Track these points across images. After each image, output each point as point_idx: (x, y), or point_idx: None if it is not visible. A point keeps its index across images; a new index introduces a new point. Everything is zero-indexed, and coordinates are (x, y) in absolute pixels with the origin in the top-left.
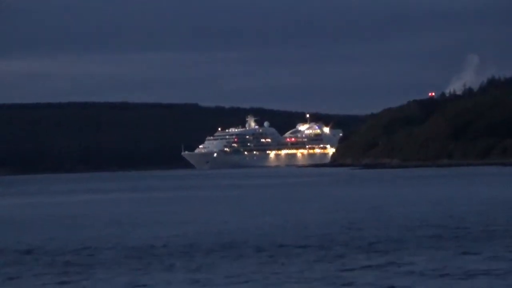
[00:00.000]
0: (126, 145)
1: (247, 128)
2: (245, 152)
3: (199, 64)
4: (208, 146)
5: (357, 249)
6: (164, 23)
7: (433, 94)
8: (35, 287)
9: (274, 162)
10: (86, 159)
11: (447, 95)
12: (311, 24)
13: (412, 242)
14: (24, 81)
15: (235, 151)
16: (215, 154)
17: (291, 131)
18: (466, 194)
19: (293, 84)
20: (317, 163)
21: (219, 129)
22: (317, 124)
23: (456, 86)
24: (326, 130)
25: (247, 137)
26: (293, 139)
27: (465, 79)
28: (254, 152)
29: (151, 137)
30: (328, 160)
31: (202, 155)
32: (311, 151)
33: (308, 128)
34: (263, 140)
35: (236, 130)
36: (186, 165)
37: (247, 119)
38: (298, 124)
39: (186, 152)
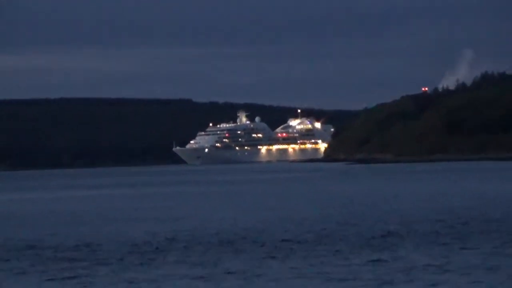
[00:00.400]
0: (121, 141)
1: (239, 124)
2: (237, 148)
3: (193, 59)
4: (200, 141)
5: (354, 244)
6: (158, 19)
7: (427, 89)
8: (40, 283)
9: (266, 158)
10: (82, 155)
11: (440, 90)
12: (304, 20)
13: (408, 237)
14: (22, 77)
15: (227, 147)
16: (206, 150)
17: (282, 126)
18: (461, 189)
19: (286, 79)
20: (310, 158)
21: (211, 124)
22: (309, 119)
23: (449, 81)
24: (318, 125)
25: (238, 132)
26: (284, 134)
27: (458, 74)
28: (246, 148)
29: (145, 133)
30: (319, 155)
31: (194, 150)
32: (302, 146)
33: (299, 123)
34: (254, 135)
35: (227, 125)
36: (178, 161)
37: (238, 115)
38: (290, 119)
39: (178, 147)
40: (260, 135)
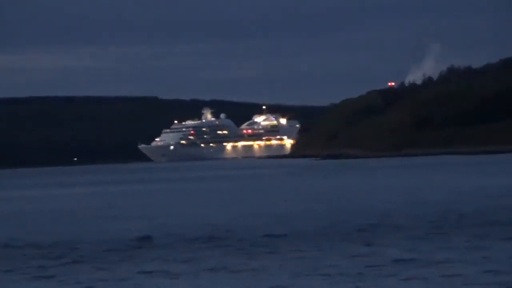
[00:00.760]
0: (87, 139)
1: (204, 121)
2: (202, 145)
3: (159, 57)
4: (165, 139)
5: (330, 239)
6: (124, 17)
7: (393, 84)
8: (15, 282)
9: (231, 154)
10: (48, 153)
11: (407, 84)
12: (270, 16)
13: (384, 231)
14: None
15: (192, 144)
16: (171, 147)
17: (247, 122)
18: (431, 183)
19: (252, 76)
20: (277, 155)
21: (176, 121)
22: (274, 116)
23: (416, 76)
24: (283, 121)
25: (204, 129)
26: (249, 130)
27: (425, 68)
28: (211, 144)
29: (111, 131)
30: (284, 151)
31: (159, 148)
32: (268, 142)
33: (264, 120)
34: (219, 132)
35: (192, 122)
36: (144, 158)
37: (203, 112)
38: (255, 116)
39: (143, 145)
40: (225, 131)
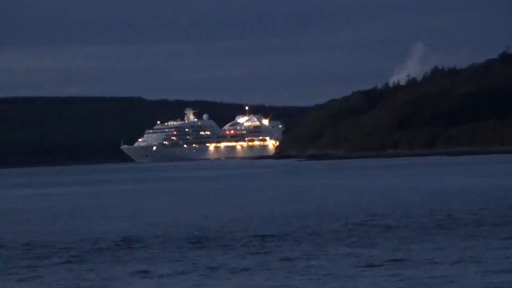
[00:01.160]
0: (71, 139)
1: (186, 121)
2: (185, 145)
3: (144, 57)
4: (147, 139)
5: (308, 240)
6: (108, 16)
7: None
8: (3, 282)
9: (214, 155)
10: (31, 153)
11: (391, 85)
12: (252, 16)
13: (360, 232)
14: None
15: (175, 144)
16: (154, 148)
17: (230, 123)
18: (412, 184)
19: (236, 76)
20: (261, 155)
21: (158, 122)
22: (256, 116)
23: (400, 76)
24: (265, 122)
25: (186, 130)
26: (232, 131)
27: (409, 69)
28: (194, 145)
29: (94, 131)
30: (267, 152)
31: (141, 148)
32: (250, 143)
33: (247, 121)
34: (202, 132)
35: (175, 123)
36: (126, 159)
37: (185, 112)
38: (237, 117)
39: (126, 146)
40: (208, 132)
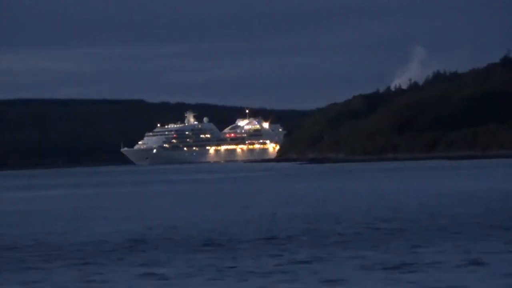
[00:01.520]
0: (71, 141)
1: (186, 124)
2: (185, 148)
3: (146, 59)
4: (147, 142)
5: (306, 242)
6: (108, 17)
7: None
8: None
9: (214, 158)
10: (30, 155)
11: (392, 89)
12: (254, 17)
13: (361, 236)
14: None
15: (175, 147)
16: (154, 150)
17: (230, 126)
18: (413, 187)
19: (236, 78)
20: (262, 158)
21: (158, 125)
22: (256, 119)
23: (401, 80)
24: (266, 125)
25: (186, 133)
26: (232, 134)
27: (410, 73)
28: (194, 148)
29: (94, 133)
30: (267, 155)
31: (142, 151)
32: (250, 146)
33: (247, 124)
34: (202, 136)
35: (175, 126)
36: (126, 161)
37: (186, 115)
38: (238, 120)
39: (125, 148)
40: (208, 135)
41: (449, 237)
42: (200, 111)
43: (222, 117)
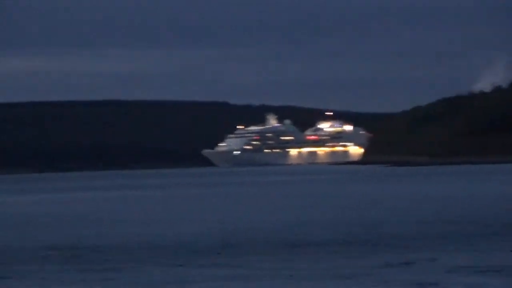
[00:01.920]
0: (153, 143)
1: (268, 126)
2: (266, 150)
3: (228, 60)
4: (229, 144)
5: (381, 246)
6: (191, 19)
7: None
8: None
9: (295, 160)
10: (112, 157)
11: (476, 92)
12: (335, 19)
13: (449, 238)
14: (39, 78)
15: (256, 149)
16: (235, 152)
17: (312, 128)
18: (498, 191)
19: (318, 81)
20: (344, 161)
21: (240, 127)
22: (339, 122)
23: (483, 83)
24: (348, 128)
25: (268, 135)
26: (314, 136)
27: (493, 76)
28: (275, 150)
29: (178, 135)
30: (349, 158)
31: (223, 153)
32: (332, 149)
33: (329, 126)
34: (284, 138)
35: (256, 128)
36: (207, 163)
37: (267, 117)
38: (320, 122)
39: (207, 150)
40: (289, 137)
41: None
42: (282, 113)
43: (304, 119)
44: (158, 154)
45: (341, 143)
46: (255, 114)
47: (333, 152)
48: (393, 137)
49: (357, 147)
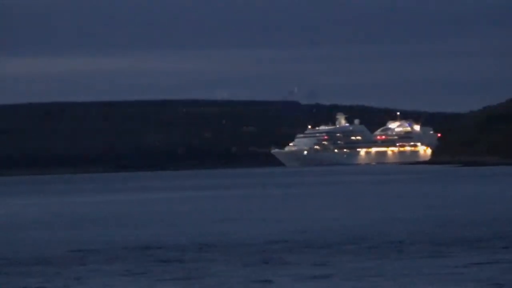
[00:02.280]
0: (221, 143)
1: (337, 126)
2: (335, 150)
3: (298, 61)
4: (298, 144)
5: (458, 246)
6: (262, 19)
7: None
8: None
9: (364, 160)
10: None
11: None
12: (404, 19)
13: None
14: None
15: (325, 149)
16: (305, 152)
17: (381, 128)
18: None
19: (387, 81)
20: (413, 161)
21: (309, 126)
22: (408, 122)
23: None
24: (417, 127)
25: (337, 135)
26: (383, 136)
27: None
28: (344, 150)
29: (248, 135)
30: (418, 158)
31: (292, 153)
32: (401, 149)
33: (398, 126)
34: (353, 137)
35: (326, 127)
36: (276, 163)
37: (337, 117)
38: (389, 122)
39: (276, 150)
40: (358, 137)
41: None
42: (351, 113)
43: (373, 119)
44: (227, 154)
45: (410, 143)
46: (325, 114)
47: (402, 152)
48: (463, 137)
49: (426, 147)
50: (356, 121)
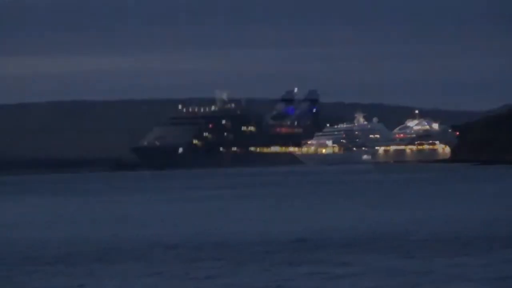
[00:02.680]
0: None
1: (356, 124)
2: (354, 148)
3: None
4: (317, 142)
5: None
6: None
7: None
8: (182, 282)
9: (383, 158)
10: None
11: None
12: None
13: None
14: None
15: (344, 148)
16: (323, 151)
17: (399, 127)
18: None
19: (406, 80)
20: (432, 159)
21: (328, 125)
22: (426, 120)
23: None
24: (435, 126)
25: (356, 133)
26: (401, 135)
27: None
28: (363, 148)
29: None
30: (437, 156)
31: (311, 152)
32: (420, 147)
33: (417, 124)
34: (371, 136)
35: (344, 126)
36: (295, 162)
37: (355, 115)
38: (407, 120)
39: (295, 148)
40: (377, 135)
41: None
42: (370, 111)
43: (391, 117)
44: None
45: (429, 142)
46: (345, 112)
47: (421, 151)
48: (482, 136)
49: (444, 146)
50: (375, 119)
